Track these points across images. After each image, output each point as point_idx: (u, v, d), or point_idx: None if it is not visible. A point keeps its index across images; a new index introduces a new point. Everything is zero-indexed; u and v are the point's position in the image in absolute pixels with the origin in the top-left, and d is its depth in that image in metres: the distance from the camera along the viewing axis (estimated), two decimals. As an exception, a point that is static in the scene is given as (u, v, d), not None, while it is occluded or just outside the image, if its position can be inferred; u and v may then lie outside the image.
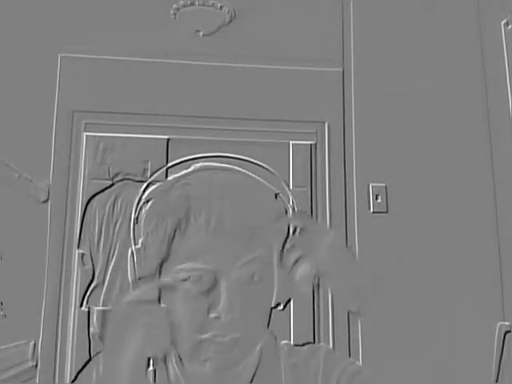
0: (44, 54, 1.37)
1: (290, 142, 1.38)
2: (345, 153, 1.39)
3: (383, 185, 1.37)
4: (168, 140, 1.35)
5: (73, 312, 1.23)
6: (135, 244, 1.15)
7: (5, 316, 1.23)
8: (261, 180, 1.22)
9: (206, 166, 1.24)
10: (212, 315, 1.08)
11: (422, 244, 1.34)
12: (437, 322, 1.30)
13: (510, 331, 1.30)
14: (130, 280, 1.15)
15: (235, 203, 1.11)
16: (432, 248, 1.34)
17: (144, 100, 1.37)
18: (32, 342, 1.22)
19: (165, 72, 1.39)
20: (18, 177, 1.30)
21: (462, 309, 1.32)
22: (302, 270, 1.18)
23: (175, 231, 1.10)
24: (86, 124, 1.35)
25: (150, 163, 1.31)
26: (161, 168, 1.26)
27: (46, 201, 1.29)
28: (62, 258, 1.26)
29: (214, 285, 1.08)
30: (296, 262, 1.18)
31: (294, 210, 1.25)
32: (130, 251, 1.16)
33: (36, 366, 1.21)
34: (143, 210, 1.16)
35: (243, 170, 1.22)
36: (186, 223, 1.09)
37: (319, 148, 1.39)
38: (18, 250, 1.25)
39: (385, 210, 1.36)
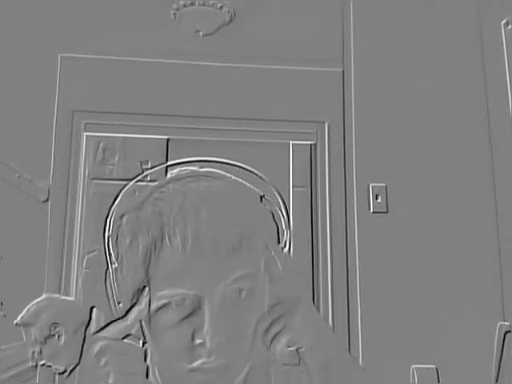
0: (44, 54, 1.37)
1: (290, 142, 1.38)
2: (345, 153, 1.39)
3: (383, 185, 1.37)
4: (168, 140, 1.35)
5: (73, 312, 1.23)
6: (111, 263, 1.06)
7: (5, 316, 1.22)
8: (244, 183, 1.13)
9: (181, 174, 1.14)
10: (197, 341, 0.98)
11: (422, 244, 1.34)
12: (437, 321, 1.30)
13: (510, 331, 1.30)
14: (110, 301, 1.08)
15: (212, 215, 0.99)
16: (432, 248, 1.34)
17: (144, 100, 1.37)
18: (32, 342, 1.22)
19: (165, 72, 1.39)
20: (18, 177, 1.30)
21: (461, 309, 1.32)
22: (281, 345, 1.06)
23: (150, 254, 1.00)
24: (86, 124, 1.35)
25: (150, 163, 1.31)
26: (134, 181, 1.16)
27: (46, 201, 1.29)
28: (62, 257, 1.26)
29: (197, 308, 0.98)
30: (275, 336, 1.06)
31: (283, 213, 1.19)
32: (108, 270, 1.07)
33: (36, 366, 1.21)
34: (116, 225, 1.06)
35: (224, 174, 1.12)
36: (161, 244, 0.98)
37: (319, 148, 1.39)
38: (18, 250, 1.25)
39: (385, 210, 1.36)
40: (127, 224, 1.03)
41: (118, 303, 1.05)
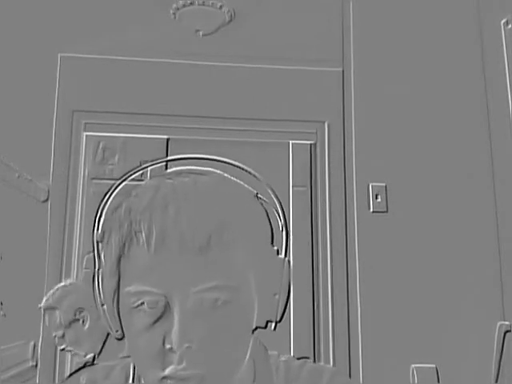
0: (44, 54, 1.37)
1: (290, 142, 1.38)
2: (345, 153, 1.39)
3: (383, 184, 1.37)
4: (168, 140, 1.35)
5: (73, 312, 1.23)
6: (99, 264, 1.02)
7: (5, 316, 1.23)
8: (234, 180, 1.05)
9: (165, 171, 1.09)
10: (167, 346, 0.91)
11: (421, 244, 1.34)
12: (437, 322, 1.30)
13: (510, 331, 1.30)
14: (96, 304, 1.08)
15: (181, 211, 0.93)
16: (432, 248, 1.34)
17: (144, 100, 1.37)
18: (32, 342, 1.22)
19: (165, 72, 1.40)
20: (18, 177, 1.30)
21: (462, 308, 1.32)
22: None
23: (121, 252, 0.96)
24: (85, 124, 1.35)
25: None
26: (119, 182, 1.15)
27: (46, 201, 1.29)
28: (62, 257, 1.26)
29: (167, 310, 0.92)
30: None
31: (279, 213, 1.16)
32: (94, 273, 1.02)
33: (36, 365, 1.21)
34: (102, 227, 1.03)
35: (215, 171, 1.11)
36: (130, 242, 0.94)
37: (319, 148, 1.39)
38: (18, 250, 1.26)
39: (385, 210, 1.36)
40: (108, 224, 0.99)
41: (102, 305, 1.03)
